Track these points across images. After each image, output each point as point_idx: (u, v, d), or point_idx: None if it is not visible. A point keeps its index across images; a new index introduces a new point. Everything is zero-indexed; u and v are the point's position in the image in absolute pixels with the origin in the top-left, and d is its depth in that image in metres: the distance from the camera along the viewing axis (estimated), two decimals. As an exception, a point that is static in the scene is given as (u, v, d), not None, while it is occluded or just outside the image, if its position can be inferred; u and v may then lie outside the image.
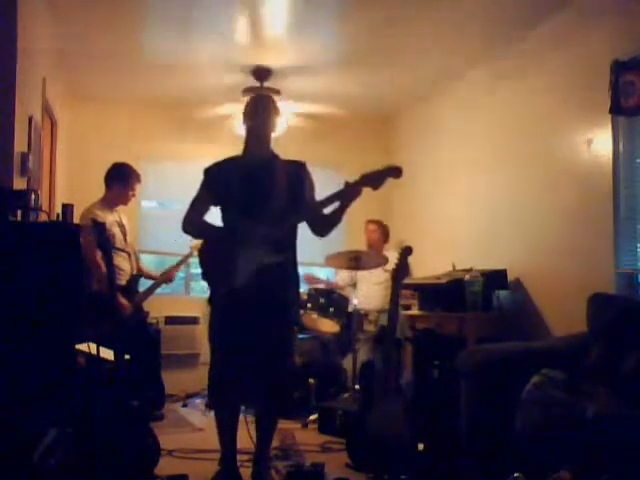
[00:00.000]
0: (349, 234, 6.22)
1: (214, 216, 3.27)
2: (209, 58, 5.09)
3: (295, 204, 3.14)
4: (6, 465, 2.42)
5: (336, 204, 3.17)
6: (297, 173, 3.20)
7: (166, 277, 4.85)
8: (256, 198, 3.10)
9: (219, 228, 3.20)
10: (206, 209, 3.24)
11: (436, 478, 3.24)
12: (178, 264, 4.87)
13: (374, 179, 3.15)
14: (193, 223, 3.21)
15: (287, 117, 5.61)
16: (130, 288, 4.55)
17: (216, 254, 3.14)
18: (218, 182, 3.19)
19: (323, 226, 3.25)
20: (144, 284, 4.88)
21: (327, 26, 4.63)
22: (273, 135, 3.30)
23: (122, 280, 4.45)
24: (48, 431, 2.69)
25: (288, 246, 3.15)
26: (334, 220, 3.21)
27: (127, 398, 3.09)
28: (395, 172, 3.18)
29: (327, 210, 3.20)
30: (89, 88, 5.84)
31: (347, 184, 3.14)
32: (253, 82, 5.39)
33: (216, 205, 3.24)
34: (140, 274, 4.74)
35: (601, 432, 2.25)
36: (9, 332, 2.59)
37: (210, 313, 3.21)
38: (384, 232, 5.74)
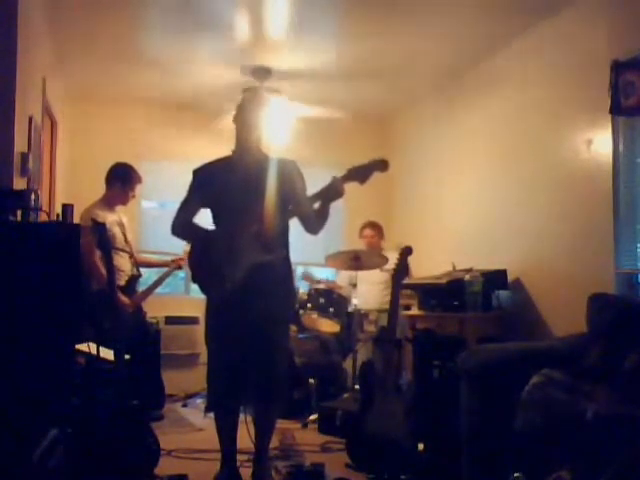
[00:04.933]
0: (349, 234, 6.22)
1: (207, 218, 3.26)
2: (209, 58, 5.10)
3: (286, 202, 3.13)
4: (6, 465, 2.42)
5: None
6: (287, 171, 3.19)
7: (177, 264, 4.81)
8: (247, 198, 3.09)
9: (208, 231, 3.18)
10: (195, 211, 3.23)
11: (436, 478, 3.25)
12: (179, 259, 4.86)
13: (361, 173, 3.16)
14: (182, 226, 3.20)
15: (287, 119, 5.61)
16: (129, 288, 4.54)
17: (205, 257, 3.13)
18: (207, 183, 3.18)
19: (315, 223, 3.25)
20: (143, 283, 4.89)
21: (327, 26, 4.63)
22: (264, 134, 3.29)
23: (122, 280, 4.45)
24: (48, 431, 2.69)
25: (279, 245, 3.14)
26: (323, 216, 3.21)
27: (127, 398, 3.09)
28: (381, 166, 3.19)
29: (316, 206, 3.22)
30: (89, 88, 5.84)
31: (334, 179, 3.16)
32: (253, 82, 5.39)
33: (206, 207, 3.22)
34: (139, 274, 4.73)
35: (601, 432, 2.25)
36: (9, 332, 2.59)
37: (205, 315, 3.21)
38: (380, 232, 5.73)
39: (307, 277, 5.73)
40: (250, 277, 3.01)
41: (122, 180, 4.60)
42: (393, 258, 3.82)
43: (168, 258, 5.01)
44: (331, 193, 3.17)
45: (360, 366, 3.96)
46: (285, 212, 3.15)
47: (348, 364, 5.10)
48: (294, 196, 3.17)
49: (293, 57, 5.10)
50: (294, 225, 3.27)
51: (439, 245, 5.58)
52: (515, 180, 4.69)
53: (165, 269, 4.92)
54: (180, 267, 4.86)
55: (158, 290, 4.90)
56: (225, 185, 3.13)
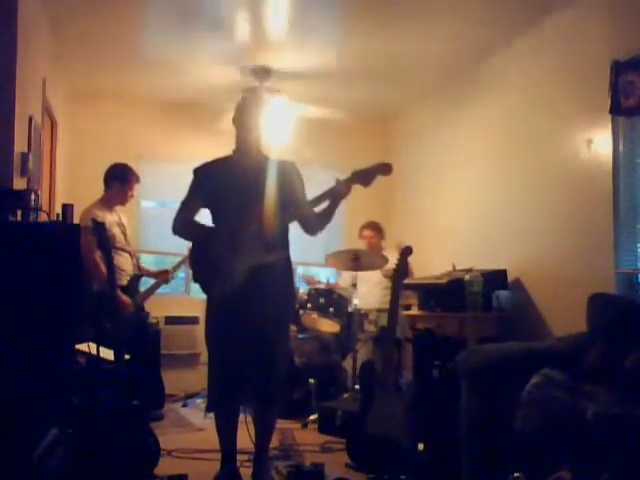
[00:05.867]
0: (349, 234, 6.22)
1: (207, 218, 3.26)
2: (209, 58, 5.10)
3: (285, 203, 3.13)
4: (6, 465, 2.42)
5: (327, 202, 3.19)
6: (287, 172, 3.19)
7: (164, 277, 4.83)
8: (246, 198, 3.08)
9: (209, 229, 3.18)
10: (196, 210, 3.22)
11: (436, 478, 3.24)
12: (178, 264, 4.86)
13: (364, 176, 3.17)
14: (183, 224, 3.19)
15: (287, 119, 5.61)
16: (131, 288, 4.54)
17: (206, 256, 3.13)
18: (208, 183, 3.18)
19: (314, 224, 3.24)
20: (145, 283, 4.88)
21: (327, 26, 4.63)
22: (264, 135, 3.29)
23: (123, 280, 4.45)
24: (48, 431, 2.69)
25: (280, 245, 3.14)
26: (325, 218, 3.21)
27: (127, 398, 3.09)
28: (385, 169, 3.19)
29: (318, 208, 3.21)
30: (89, 88, 5.84)
31: (338, 181, 3.16)
32: (253, 82, 5.39)
33: (206, 206, 3.22)
34: (141, 274, 4.74)
35: (601, 432, 2.25)
36: (9, 332, 2.59)
37: (205, 315, 3.21)
38: (380, 232, 5.72)
39: (309, 279, 5.72)
40: (251, 277, 3.01)
41: (120, 180, 4.61)
42: (393, 258, 3.82)
43: (168, 258, 5.00)
44: (334, 195, 3.17)
45: (360, 366, 3.96)
46: (284, 213, 3.14)
47: (348, 364, 5.10)
48: (293, 197, 3.16)
49: (293, 57, 5.11)
50: (294, 225, 3.27)
51: (439, 245, 5.58)
52: (515, 180, 4.69)
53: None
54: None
55: (158, 290, 4.89)
56: (225, 185, 3.13)
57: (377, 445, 3.34)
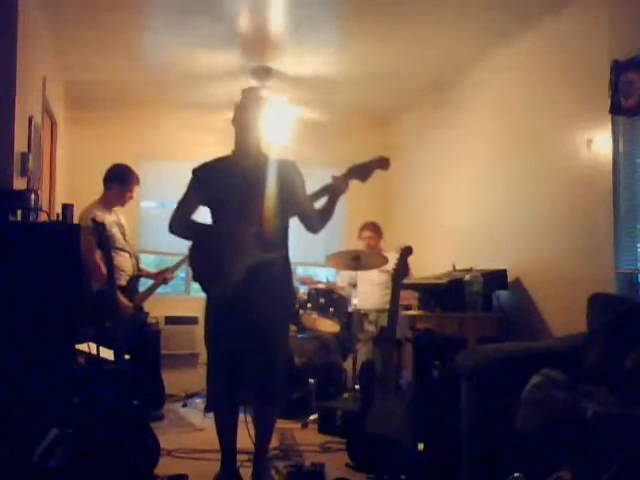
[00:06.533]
0: (349, 234, 6.22)
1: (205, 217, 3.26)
2: (209, 58, 5.09)
3: (286, 203, 3.13)
4: (6, 465, 2.42)
5: (325, 199, 3.19)
6: (286, 171, 3.18)
7: (163, 278, 4.83)
8: (246, 197, 3.08)
9: (208, 228, 3.18)
10: (194, 209, 3.22)
11: (436, 478, 3.24)
12: (177, 265, 4.86)
13: (362, 171, 3.17)
14: (181, 223, 3.18)
15: (287, 119, 5.61)
16: (130, 288, 4.54)
17: (205, 255, 3.13)
18: (207, 183, 3.18)
19: (316, 222, 3.24)
20: (144, 284, 4.88)
21: (327, 26, 4.62)
22: (263, 134, 3.29)
23: (122, 280, 4.45)
24: (48, 431, 2.69)
25: (279, 245, 3.14)
26: (326, 215, 3.21)
27: (127, 398, 3.09)
28: (382, 163, 3.19)
29: (317, 205, 3.22)
30: (89, 88, 5.84)
31: (335, 178, 3.16)
32: (253, 82, 5.39)
33: (205, 205, 3.21)
34: (140, 274, 4.74)
35: (601, 432, 2.25)
36: (9, 332, 2.59)
37: (204, 315, 3.21)
38: (379, 232, 5.72)
39: (305, 279, 5.71)
40: (250, 277, 3.01)
41: (120, 181, 4.60)
42: (393, 259, 3.82)
43: (168, 258, 5.00)
44: (332, 192, 3.17)
45: (360, 366, 3.96)
46: (284, 212, 3.14)
47: (348, 364, 5.10)
48: (294, 196, 3.16)
49: (293, 57, 5.10)
50: (294, 225, 3.26)
51: (439, 245, 5.57)
52: (515, 180, 4.69)
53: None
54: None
55: (158, 290, 4.89)
56: (224, 185, 3.13)
57: (377, 445, 3.34)
